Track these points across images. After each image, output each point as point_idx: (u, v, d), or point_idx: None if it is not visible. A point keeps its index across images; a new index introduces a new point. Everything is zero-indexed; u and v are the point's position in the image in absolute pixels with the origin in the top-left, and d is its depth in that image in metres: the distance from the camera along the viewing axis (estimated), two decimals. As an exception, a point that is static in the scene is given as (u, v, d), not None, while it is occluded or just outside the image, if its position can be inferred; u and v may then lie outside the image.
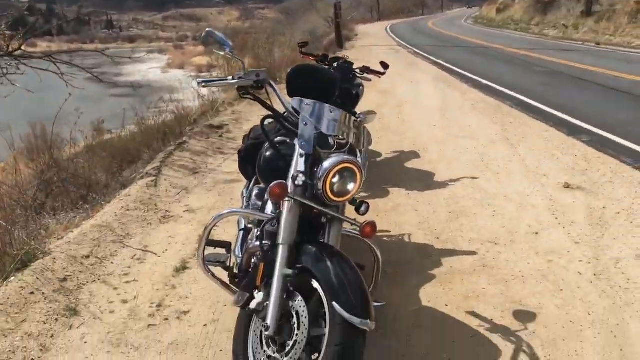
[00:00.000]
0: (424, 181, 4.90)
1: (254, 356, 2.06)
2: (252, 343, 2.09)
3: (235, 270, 2.52)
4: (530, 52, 16.35)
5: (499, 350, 2.46)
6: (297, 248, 2.11)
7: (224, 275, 2.47)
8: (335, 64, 4.83)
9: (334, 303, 1.85)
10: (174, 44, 73.27)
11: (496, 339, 2.55)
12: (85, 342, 2.50)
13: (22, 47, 8.30)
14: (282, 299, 2.02)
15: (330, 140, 2.44)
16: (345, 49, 20.03)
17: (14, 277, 2.97)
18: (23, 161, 7.96)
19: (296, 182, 2.10)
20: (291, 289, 2.06)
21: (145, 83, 21.85)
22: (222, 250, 2.52)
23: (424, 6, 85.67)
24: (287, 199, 2.10)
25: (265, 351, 2.02)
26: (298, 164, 2.18)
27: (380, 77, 4.99)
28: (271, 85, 2.37)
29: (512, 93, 9.11)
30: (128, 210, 4.20)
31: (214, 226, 2.41)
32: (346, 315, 1.81)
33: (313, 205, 2.16)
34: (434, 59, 15.78)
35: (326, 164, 2.14)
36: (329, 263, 1.96)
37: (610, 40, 18.92)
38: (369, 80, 5.11)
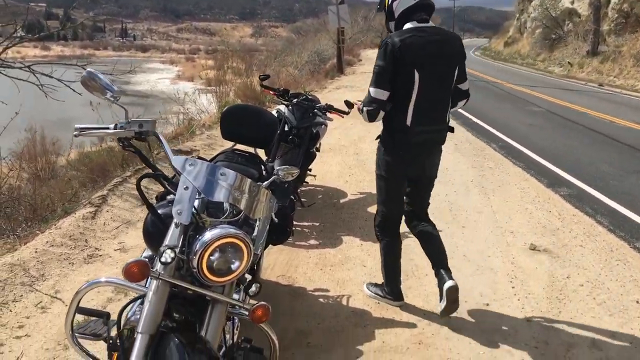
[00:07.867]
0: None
1: None
2: None
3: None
4: (532, 90, 16.09)
5: None
6: (161, 338, 1.78)
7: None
8: (295, 100, 4.53)
9: None
10: (185, 56, 73.72)
11: None
12: None
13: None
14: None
15: (226, 206, 2.13)
16: (344, 74, 19.87)
17: None
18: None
19: (162, 259, 1.77)
20: None
21: (153, 93, 21.44)
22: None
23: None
24: (151, 278, 1.78)
25: None
26: (170, 235, 1.86)
27: (343, 117, 4.68)
28: (158, 138, 2.06)
29: (500, 134, 8.79)
30: (52, 246, 3.86)
31: (85, 293, 2.09)
32: None
33: (185, 285, 1.83)
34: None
35: (205, 237, 1.82)
36: None
37: (614, 82, 18.63)
38: (331, 120, 4.80)
